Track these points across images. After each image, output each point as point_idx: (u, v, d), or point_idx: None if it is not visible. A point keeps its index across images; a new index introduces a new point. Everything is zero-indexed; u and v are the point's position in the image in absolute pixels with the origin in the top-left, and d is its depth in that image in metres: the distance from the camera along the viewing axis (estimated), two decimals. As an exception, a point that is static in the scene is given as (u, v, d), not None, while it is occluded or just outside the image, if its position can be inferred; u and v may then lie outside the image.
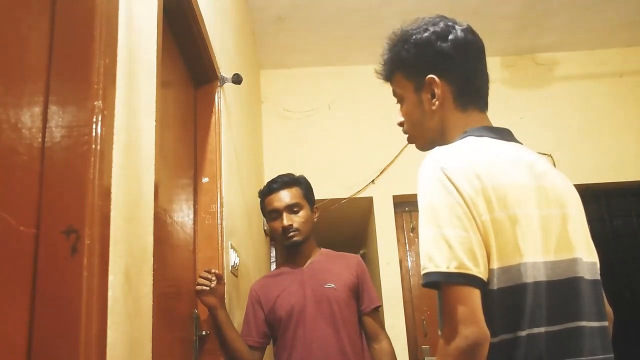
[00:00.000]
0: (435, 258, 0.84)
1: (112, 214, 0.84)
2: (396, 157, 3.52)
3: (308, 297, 1.88)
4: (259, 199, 2.07)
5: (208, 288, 1.67)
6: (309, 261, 1.99)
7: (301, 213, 1.96)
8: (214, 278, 1.68)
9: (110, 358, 0.78)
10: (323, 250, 2.06)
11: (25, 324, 0.72)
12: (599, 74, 3.77)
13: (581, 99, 3.71)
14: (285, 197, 1.96)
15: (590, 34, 3.63)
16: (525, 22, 3.44)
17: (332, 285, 1.89)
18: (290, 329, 1.86)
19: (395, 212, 3.54)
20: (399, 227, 3.58)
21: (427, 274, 0.85)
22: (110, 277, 0.82)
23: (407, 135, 1.13)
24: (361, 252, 4.27)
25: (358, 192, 3.53)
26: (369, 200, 3.56)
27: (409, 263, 3.56)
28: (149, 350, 1.00)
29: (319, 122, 3.66)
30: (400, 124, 1.13)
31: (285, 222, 1.93)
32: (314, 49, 3.60)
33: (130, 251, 0.93)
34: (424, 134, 1.08)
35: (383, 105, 3.84)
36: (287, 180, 2.00)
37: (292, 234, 1.93)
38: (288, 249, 2.02)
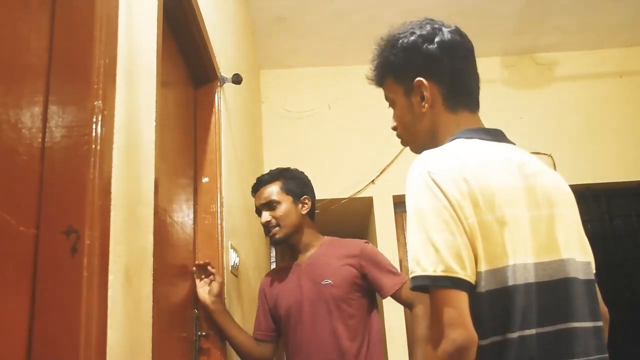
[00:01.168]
0: (422, 262, 0.85)
1: (112, 214, 0.84)
2: (396, 157, 3.52)
3: (305, 297, 1.85)
4: None
5: (207, 280, 1.69)
6: (307, 255, 1.94)
7: (279, 208, 1.91)
8: (212, 271, 1.70)
9: (110, 358, 0.78)
10: (326, 239, 1.99)
11: (26, 324, 0.72)
12: (599, 74, 3.76)
13: (581, 99, 3.71)
14: (263, 194, 1.95)
15: (590, 34, 3.63)
16: (525, 22, 3.44)
17: (329, 281, 1.84)
18: (289, 329, 1.86)
19: (395, 212, 3.53)
20: (399, 227, 3.58)
21: (414, 278, 0.86)
22: (110, 277, 0.82)
23: (400, 139, 1.14)
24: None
25: (358, 192, 3.53)
26: (369, 200, 3.55)
27: (409, 263, 3.55)
28: (149, 350, 1.00)
29: (319, 122, 3.66)
30: (394, 128, 1.14)
31: (262, 219, 1.92)
32: (314, 49, 3.60)
33: (130, 251, 0.93)
34: (416, 137, 1.09)
35: (383, 106, 3.84)
36: (266, 178, 1.99)
37: (272, 231, 1.91)
38: (282, 245, 2.00)
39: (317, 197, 2.10)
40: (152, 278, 1.03)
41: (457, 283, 0.83)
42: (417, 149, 1.09)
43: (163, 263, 1.34)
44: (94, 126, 0.80)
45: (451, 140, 0.99)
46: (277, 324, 1.92)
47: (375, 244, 3.52)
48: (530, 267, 0.87)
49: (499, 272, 0.85)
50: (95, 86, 0.81)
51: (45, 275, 0.74)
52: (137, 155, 1.01)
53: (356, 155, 3.58)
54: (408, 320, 3.38)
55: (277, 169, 2.02)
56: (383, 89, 1.14)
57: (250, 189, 2.03)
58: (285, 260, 2.05)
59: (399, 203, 3.56)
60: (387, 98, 1.14)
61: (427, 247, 0.85)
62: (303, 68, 3.77)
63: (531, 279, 0.87)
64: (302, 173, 2.06)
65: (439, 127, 1.04)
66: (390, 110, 1.15)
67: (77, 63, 0.82)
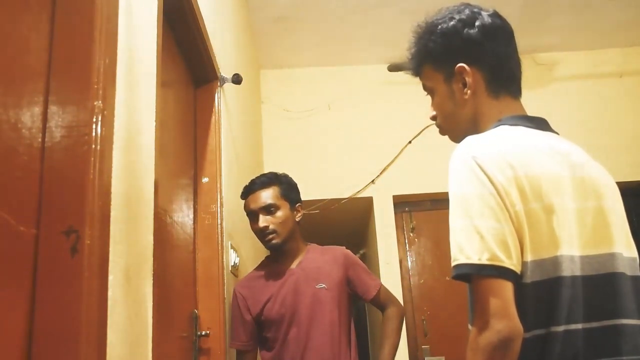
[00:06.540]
0: (466, 249, 0.81)
1: (112, 214, 0.84)
2: (396, 157, 3.52)
3: (302, 300, 1.83)
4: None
5: None
6: (297, 260, 1.93)
7: (278, 213, 1.89)
8: None
9: (110, 358, 0.78)
10: (310, 246, 2.00)
11: (26, 324, 0.72)
12: (599, 74, 3.77)
13: (581, 99, 3.71)
14: (260, 198, 1.90)
15: (590, 34, 3.63)
16: (525, 22, 3.44)
17: (324, 285, 1.85)
18: (280, 332, 1.83)
19: (395, 212, 3.53)
20: (399, 227, 3.58)
21: (457, 266, 0.82)
22: (110, 277, 0.82)
23: (439, 129, 1.10)
24: (361, 251, 4.27)
25: (358, 192, 3.53)
26: (369, 200, 3.55)
27: (409, 263, 3.55)
28: (149, 350, 1.00)
29: (319, 122, 3.66)
30: (433, 118, 1.10)
31: (260, 223, 1.87)
32: (314, 49, 3.60)
33: (130, 251, 0.93)
34: (458, 125, 1.05)
35: (383, 105, 3.85)
36: (264, 181, 1.94)
37: (269, 236, 1.87)
38: (272, 250, 1.97)
39: (318, 197, 2.10)
40: (152, 278, 1.03)
41: (502, 272, 0.80)
42: (458, 138, 1.03)
43: (163, 263, 1.35)
44: (94, 126, 0.80)
45: (495, 127, 0.96)
46: (263, 327, 1.88)
47: (375, 243, 3.52)
48: (577, 260, 0.84)
49: (545, 263, 0.82)
50: (95, 86, 0.81)
51: (45, 275, 0.74)
52: (137, 155, 1.01)
53: (356, 155, 3.58)
54: (408, 320, 3.38)
55: (270, 173, 1.99)
56: (420, 78, 1.11)
57: (250, 190, 2.02)
58: (264, 265, 2.00)
59: (399, 203, 3.57)
60: (425, 87, 1.10)
61: (471, 234, 0.82)
62: (303, 68, 3.77)
63: (577, 271, 0.84)
64: (293, 180, 2.03)
65: (481, 114, 1.01)
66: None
67: (77, 63, 0.82)
